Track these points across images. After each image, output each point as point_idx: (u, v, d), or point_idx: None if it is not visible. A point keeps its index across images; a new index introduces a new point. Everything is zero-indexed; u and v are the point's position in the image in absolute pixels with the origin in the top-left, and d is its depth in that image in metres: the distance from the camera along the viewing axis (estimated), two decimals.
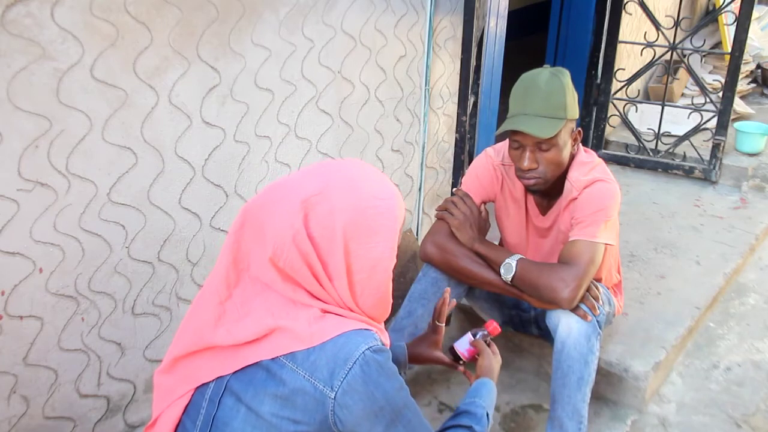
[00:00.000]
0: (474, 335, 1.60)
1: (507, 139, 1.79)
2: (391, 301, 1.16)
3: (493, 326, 1.61)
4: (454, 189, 2.60)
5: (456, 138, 2.60)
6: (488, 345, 1.58)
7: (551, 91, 1.65)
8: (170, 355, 1.14)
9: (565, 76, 1.69)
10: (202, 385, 1.10)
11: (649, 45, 3.41)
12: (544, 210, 1.89)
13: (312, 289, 1.07)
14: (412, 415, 1.12)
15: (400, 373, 1.89)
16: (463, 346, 1.60)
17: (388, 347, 1.12)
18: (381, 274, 1.10)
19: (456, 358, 1.62)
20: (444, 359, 1.62)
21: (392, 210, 1.11)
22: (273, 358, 1.04)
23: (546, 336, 1.89)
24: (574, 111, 1.70)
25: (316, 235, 1.05)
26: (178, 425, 1.12)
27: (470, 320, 2.26)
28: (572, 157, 1.79)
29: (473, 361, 1.59)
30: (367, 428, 1.06)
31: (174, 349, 1.14)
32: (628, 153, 3.66)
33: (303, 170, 1.15)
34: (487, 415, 1.36)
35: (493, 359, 1.54)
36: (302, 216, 1.05)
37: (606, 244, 1.72)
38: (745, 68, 4.48)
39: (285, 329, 1.04)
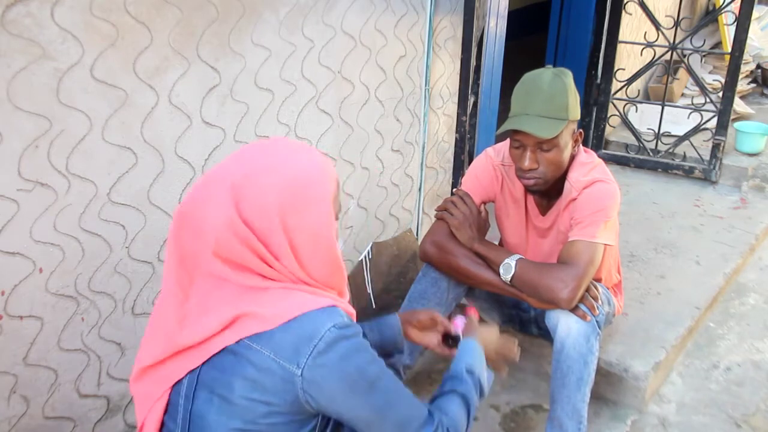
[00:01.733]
0: (455, 315, 1.62)
1: (507, 139, 1.79)
2: (342, 266, 1.15)
3: (472, 310, 1.62)
4: (454, 189, 2.60)
5: (456, 138, 2.60)
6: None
7: (554, 92, 1.65)
8: (140, 363, 1.14)
9: (568, 76, 1.69)
10: (177, 383, 1.10)
11: (649, 45, 3.41)
12: (543, 210, 1.89)
13: (263, 271, 1.06)
14: (389, 382, 1.11)
15: (401, 373, 1.87)
16: (456, 326, 1.59)
17: (355, 320, 1.12)
18: (324, 241, 1.10)
19: (450, 343, 1.59)
20: (437, 347, 1.59)
21: (321, 178, 1.10)
22: (238, 341, 1.04)
23: (546, 336, 1.89)
24: (576, 112, 1.70)
25: (251, 219, 1.04)
26: (161, 428, 1.12)
27: None
28: (572, 157, 1.79)
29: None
30: (343, 401, 1.06)
31: (143, 356, 1.13)
32: (628, 153, 3.66)
33: (227, 158, 1.13)
34: (470, 371, 1.35)
35: (476, 324, 1.54)
36: (233, 203, 1.04)
37: (605, 244, 1.72)
38: (745, 68, 4.48)
39: (248, 314, 1.04)
